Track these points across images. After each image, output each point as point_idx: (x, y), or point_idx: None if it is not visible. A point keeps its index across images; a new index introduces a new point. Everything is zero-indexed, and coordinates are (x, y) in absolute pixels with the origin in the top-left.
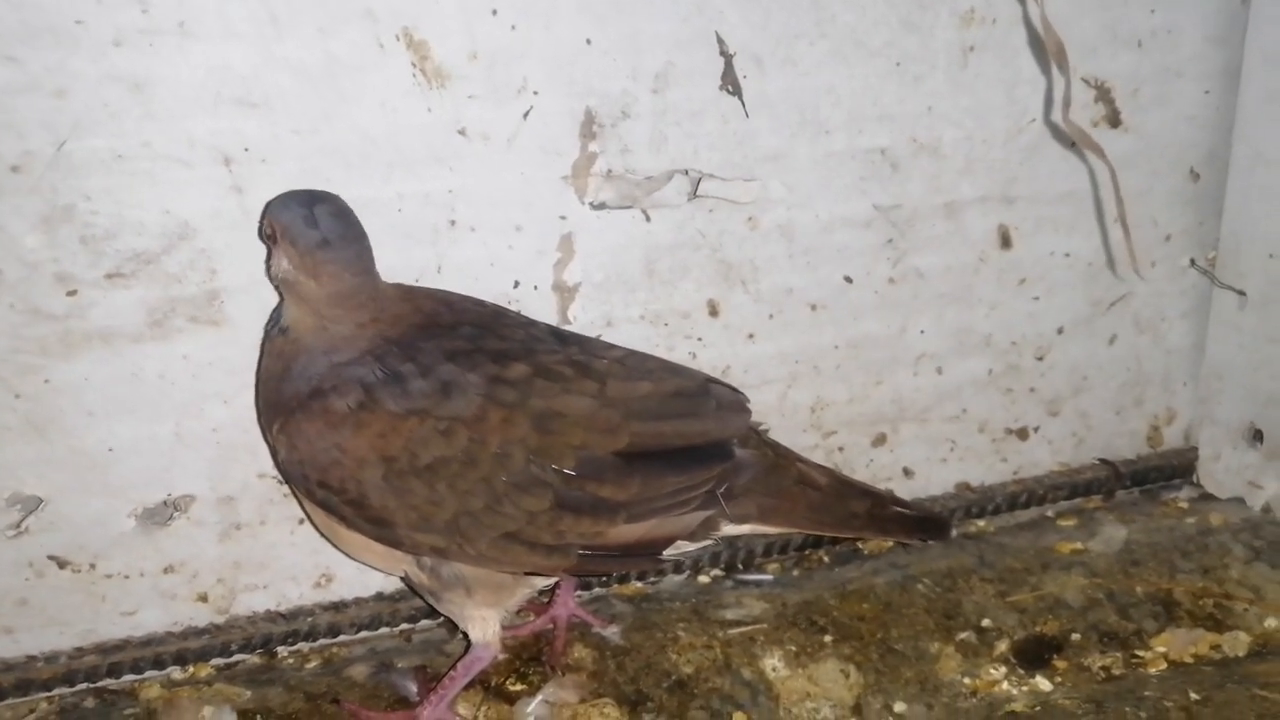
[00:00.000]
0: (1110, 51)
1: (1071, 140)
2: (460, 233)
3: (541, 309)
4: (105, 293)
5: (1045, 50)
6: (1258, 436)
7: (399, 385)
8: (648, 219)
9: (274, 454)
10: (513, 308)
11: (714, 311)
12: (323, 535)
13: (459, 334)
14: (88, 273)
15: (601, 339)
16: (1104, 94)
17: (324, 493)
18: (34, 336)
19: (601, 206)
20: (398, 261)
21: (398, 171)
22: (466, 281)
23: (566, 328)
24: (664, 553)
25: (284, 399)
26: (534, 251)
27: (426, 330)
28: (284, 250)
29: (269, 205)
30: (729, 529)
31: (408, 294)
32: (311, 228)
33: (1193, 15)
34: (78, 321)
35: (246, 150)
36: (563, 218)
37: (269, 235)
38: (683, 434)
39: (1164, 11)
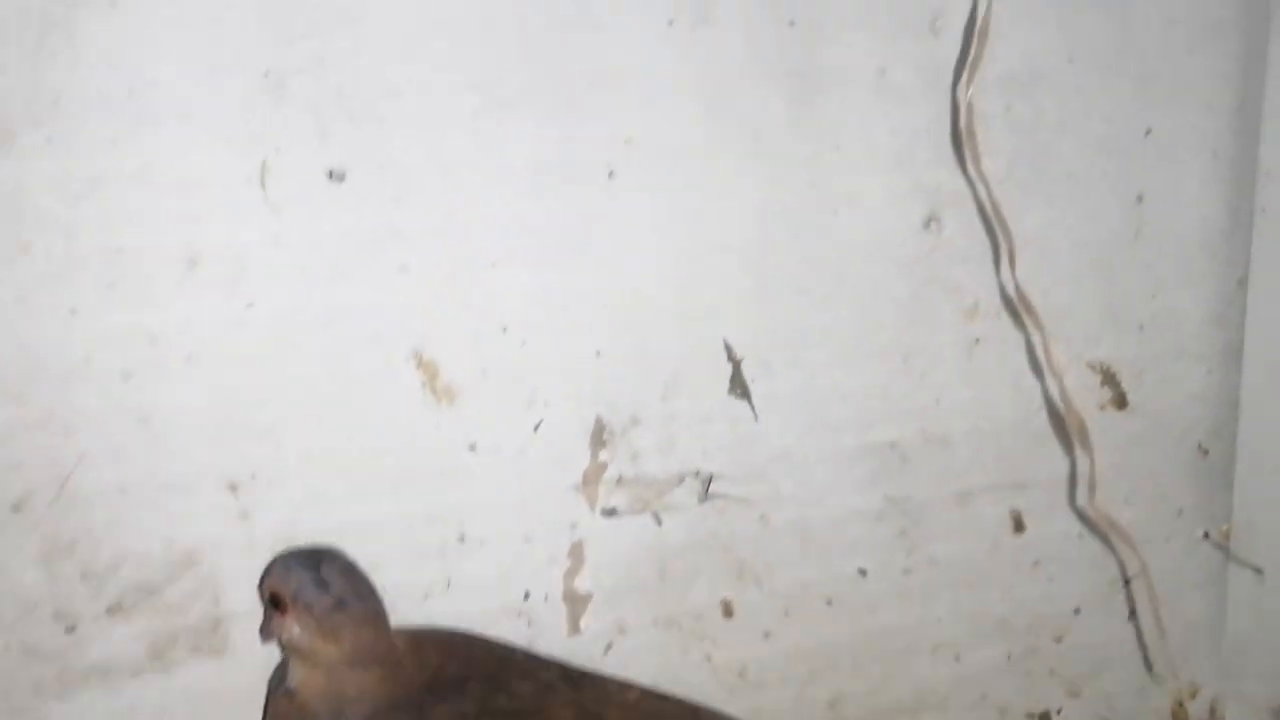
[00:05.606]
0: (1113, 337)
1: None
2: (470, 547)
3: (552, 621)
4: (105, 627)
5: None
6: None
7: None
8: (659, 522)
9: None
10: (522, 620)
11: (728, 612)
12: None
13: (466, 693)
14: (88, 607)
15: (616, 678)
16: (1109, 378)
17: None
18: (28, 678)
19: (612, 513)
20: (406, 579)
21: (406, 490)
22: (476, 596)
23: (577, 637)
24: None
25: None
26: (544, 561)
27: (434, 691)
28: (296, 617)
29: (268, 570)
30: None
31: (416, 645)
32: (323, 590)
33: (1192, 298)
34: (75, 658)
35: (253, 476)
36: (573, 526)
37: (272, 602)
38: None
39: (1164, 296)
